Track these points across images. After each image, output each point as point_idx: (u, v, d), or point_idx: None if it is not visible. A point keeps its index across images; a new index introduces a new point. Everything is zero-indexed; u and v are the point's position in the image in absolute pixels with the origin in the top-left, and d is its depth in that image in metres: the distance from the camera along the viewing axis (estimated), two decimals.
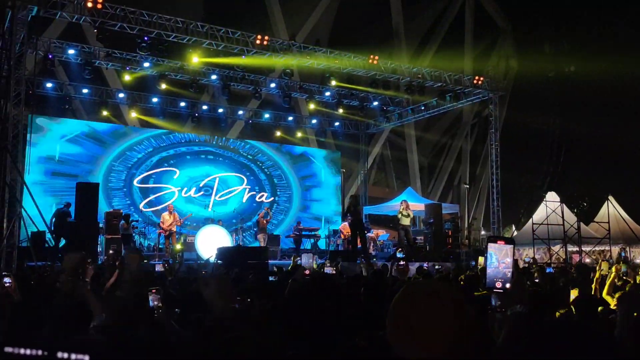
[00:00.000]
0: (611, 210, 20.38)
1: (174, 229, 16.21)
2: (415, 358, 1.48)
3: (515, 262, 1.77)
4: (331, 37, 27.49)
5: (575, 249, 18.61)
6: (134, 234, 16.50)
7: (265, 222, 17.96)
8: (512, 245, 1.75)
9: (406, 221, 16.46)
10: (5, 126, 12.42)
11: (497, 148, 19.64)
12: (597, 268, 5.97)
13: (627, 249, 21.66)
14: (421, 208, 19.60)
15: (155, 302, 3.69)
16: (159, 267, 7.22)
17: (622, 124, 29.04)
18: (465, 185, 28.23)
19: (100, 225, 15.17)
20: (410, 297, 1.55)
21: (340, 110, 21.47)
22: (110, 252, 13.91)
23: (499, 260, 1.73)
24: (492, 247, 1.76)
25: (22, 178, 13.32)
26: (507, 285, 1.72)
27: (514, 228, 27.80)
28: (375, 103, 21.23)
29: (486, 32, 32.81)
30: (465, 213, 26.76)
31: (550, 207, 18.57)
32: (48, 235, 13.83)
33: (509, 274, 1.73)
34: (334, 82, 18.86)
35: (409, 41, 28.84)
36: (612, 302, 4.82)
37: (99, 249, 14.85)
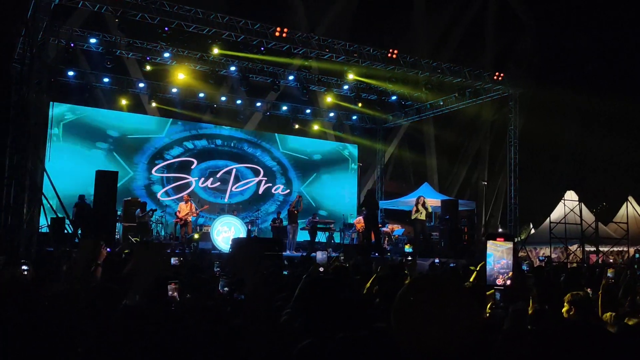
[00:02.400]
0: (630, 210, 20.11)
1: (190, 219, 16.37)
2: (419, 351, 1.50)
3: (516, 258, 1.77)
4: (351, 30, 27.40)
5: (593, 249, 18.41)
6: (150, 223, 16.69)
7: (296, 212, 18.01)
8: (511, 243, 1.76)
9: (422, 216, 16.46)
10: (27, 113, 12.62)
11: (516, 145, 19.48)
12: (604, 276, 5.63)
13: None
14: (437, 204, 19.53)
15: (171, 292, 3.89)
16: (174, 261, 7.29)
17: None
18: (483, 183, 27.98)
19: (119, 213, 15.38)
20: (414, 291, 1.58)
21: (359, 104, 21.42)
22: (130, 239, 14.11)
23: (494, 260, 1.75)
24: (490, 246, 1.77)
25: (42, 165, 13.53)
26: (508, 282, 1.74)
27: (531, 226, 27.55)
28: (394, 98, 21.14)
29: (508, 27, 32.41)
30: (482, 210, 26.56)
31: (569, 206, 18.38)
32: (67, 222, 14.01)
33: (509, 272, 1.74)
34: (351, 76, 18.81)
35: (429, 36, 28.65)
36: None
37: (117, 237, 15.07)
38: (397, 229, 20.33)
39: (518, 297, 1.73)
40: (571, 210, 18.16)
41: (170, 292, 3.94)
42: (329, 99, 21.74)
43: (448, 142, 31.04)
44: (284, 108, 22.42)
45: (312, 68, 19.41)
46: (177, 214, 16.48)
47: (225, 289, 4.79)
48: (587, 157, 31.05)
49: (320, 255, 6.61)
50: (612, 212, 23.09)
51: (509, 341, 1.71)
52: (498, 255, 1.75)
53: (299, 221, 18.22)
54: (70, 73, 18.37)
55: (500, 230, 28.72)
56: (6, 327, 2.75)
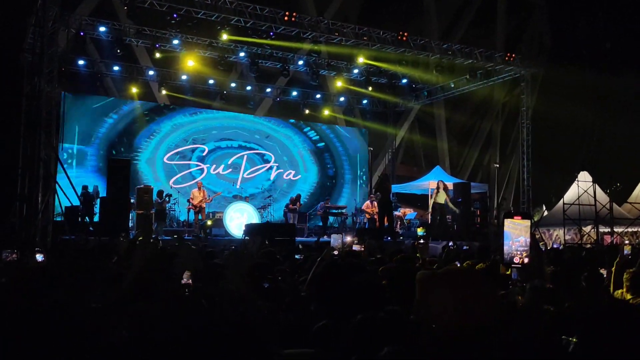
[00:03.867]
0: None
1: (204, 205, 16.46)
2: (441, 331, 1.56)
3: (533, 237, 1.78)
4: (360, 13, 27.13)
5: (607, 230, 18.28)
6: (167, 210, 16.81)
7: (293, 207, 18.18)
8: (529, 222, 1.76)
9: (441, 199, 16.52)
10: (38, 103, 12.69)
11: (528, 127, 19.34)
12: (620, 254, 5.47)
13: None
14: (449, 187, 19.43)
15: (186, 280, 3.85)
16: None
17: None
18: (495, 165, 27.78)
19: (132, 200, 15.48)
20: (437, 275, 1.65)
21: (369, 88, 21.31)
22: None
23: (512, 239, 1.75)
24: (508, 225, 1.77)
25: (55, 154, 13.62)
26: (526, 261, 1.75)
27: (544, 208, 27.37)
28: (404, 81, 21.00)
29: (520, 7, 31.94)
30: (494, 193, 26.39)
31: (582, 187, 18.23)
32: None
33: (526, 251, 1.75)
34: (361, 60, 18.68)
35: (440, 18, 28.32)
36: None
37: (131, 224, 15.18)
38: (409, 213, 20.31)
39: (535, 275, 1.74)
40: (585, 191, 18.01)
41: (184, 280, 3.91)
42: (339, 84, 21.65)
43: (459, 125, 30.83)
44: (294, 93, 22.36)
45: (322, 52, 19.31)
46: (191, 200, 16.56)
47: None
48: (601, 137, 30.70)
49: (334, 240, 6.60)
50: (627, 192, 22.86)
51: (527, 317, 1.74)
52: (516, 233, 1.75)
53: (311, 207, 18.26)
54: (81, 62, 18.41)
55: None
56: (24, 318, 2.78)
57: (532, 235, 1.73)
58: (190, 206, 16.53)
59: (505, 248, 1.66)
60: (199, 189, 16.73)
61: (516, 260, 1.70)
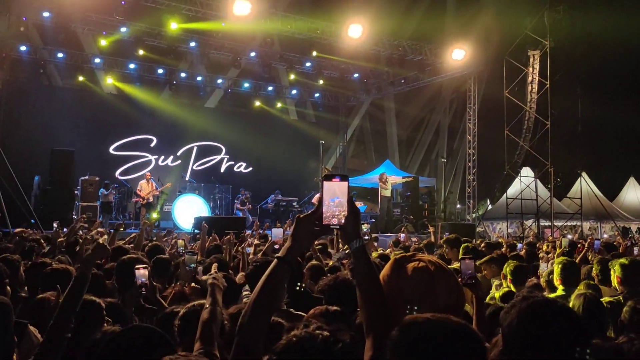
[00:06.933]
0: (584, 186, 20.78)
1: (152, 197, 16.13)
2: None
3: (350, 199, 1.85)
4: (313, 5, 27.04)
5: (548, 223, 18.99)
6: (113, 202, 16.39)
7: (242, 208, 18.14)
8: (346, 183, 1.83)
9: (387, 192, 16.70)
10: None
11: (474, 123, 19.82)
12: (558, 245, 5.73)
13: (599, 224, 22.19)
14: (399, 181, 19.76)
15: (144, 279, 3.58)
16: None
17: (598, 101, 29.25)
18: (443, 159, 28.35)
19: (76, 192, 15.04)
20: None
21: (321, 82, 21.35)
22: (84, 216, 13.68)
23: (328, 198, 1.81)
24: (325, 186, 1.84)
25: None
26: (342, 221, 1.80)
27: (488, 202, 28.16)
28: (356, 75, 21.15)
29: (468, 3, 32.49)
30: (442, 187, 26.95)
31: (525, 182, 18.86)
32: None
33: (343, 211, 1.80)
34: (314, 53, 18.71)
35: (391, 12, 28.53)
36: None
37: (74, 216, 14.72)
38: (359, 206, 20.48)
39: (353, 237, 1.81)
40: (527, 186, 18.65)
41: (142, 279, 3.53)
42: (292, 77, 21.59)
43: (409, 119, 31.25)
44: (246, 85, 22.16)
45: (274, 45, 19.21)
46: (138, 192, 16.20)
47: (192, 265, 4.60)
48: (543, 131, 31.56)
49: (275, 233, 6.51)
50: (567, 188, 23.78)
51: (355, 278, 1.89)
52: (331, 193, 1.81)
53: (262, 200, 18.16)
54: (23, 48, 17.67)
55: (458, 206, 29.31)
56: None
57: (350, 197, 1.78)
58: (138, 198, 16.16)
59: (324, 209, 1.69)
60: (147, 180, 16.37)
61: (334, 221, 1.74)
